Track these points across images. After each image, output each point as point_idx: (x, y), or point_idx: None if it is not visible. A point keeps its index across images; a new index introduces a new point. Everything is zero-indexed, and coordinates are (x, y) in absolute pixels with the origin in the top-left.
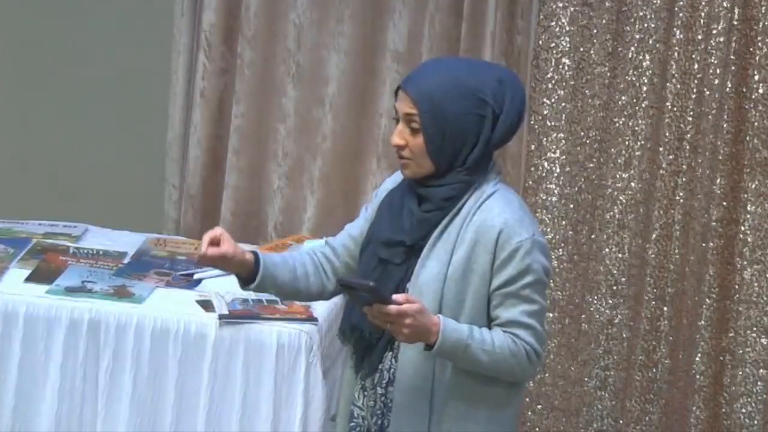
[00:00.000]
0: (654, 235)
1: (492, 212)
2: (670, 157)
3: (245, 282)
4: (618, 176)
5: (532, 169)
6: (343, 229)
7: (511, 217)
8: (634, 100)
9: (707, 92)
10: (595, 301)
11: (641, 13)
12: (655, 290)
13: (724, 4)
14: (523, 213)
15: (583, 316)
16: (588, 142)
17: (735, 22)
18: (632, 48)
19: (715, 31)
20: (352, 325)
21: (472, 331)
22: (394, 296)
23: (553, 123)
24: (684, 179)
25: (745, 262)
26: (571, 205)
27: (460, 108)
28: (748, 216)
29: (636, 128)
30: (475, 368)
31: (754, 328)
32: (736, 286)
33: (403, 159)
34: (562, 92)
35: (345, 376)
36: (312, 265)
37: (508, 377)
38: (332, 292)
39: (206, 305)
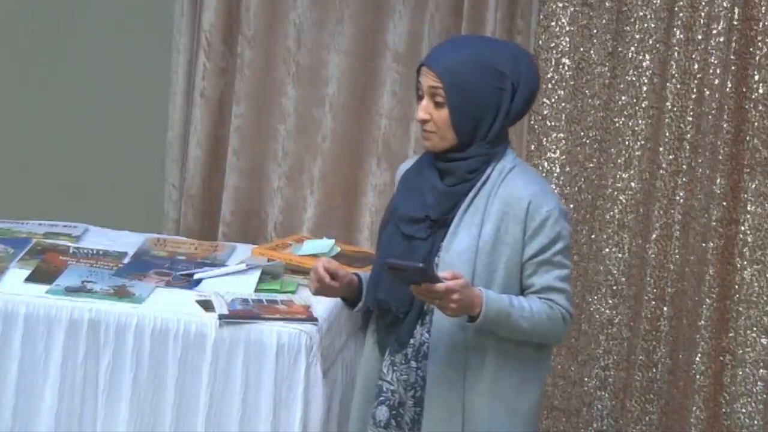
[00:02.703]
0: (654, 235)
1: (517, 185)
2: (670, 157)
3: (351, 304)
4: (618, 176)
5: None
6: None
7: (537, 188)
8: (634, 100)
9: (707, 92)
10: (595, 301)
11: (641, 13)
12: (655, 290)
13: (724, 4)
14: (545, 184)
15: (583, 316)
16: (588, 142)
17: (735, 22)
18: (632, 48)
19: (715, 31)
20: (379, 301)
21: (512, 300)
22: (441, 274)
23: (553, 123)
24: (684, 179)
25: (745, 262)
26: (571, 205)
27: (481, 80)
28: (748, 216)
29: (636, 128)
30: (515, 336)
31: (754, 328)
32: (736, 286)
33: (426, 132)
34: (562, 92)
35: (364, 354)
36: None
37: (544, 341)
38: None
39: (206, 305)
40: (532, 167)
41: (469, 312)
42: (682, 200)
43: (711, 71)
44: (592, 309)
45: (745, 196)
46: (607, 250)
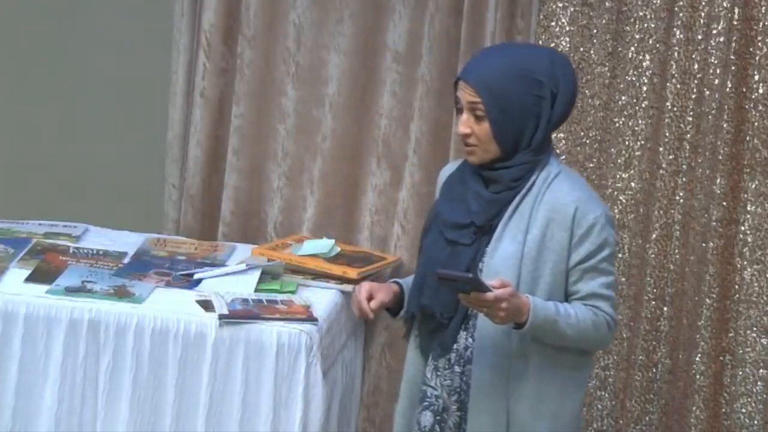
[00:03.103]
0: (654, 235)
1: (562, 191)
2: (670, 157)
3: (393, 313)
4: (618, 176)
5: None
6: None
7: (583, 195)
8: (634, 100)
9: (707, 92)
10: None
11: (641, 13)
12: (655, 290)
13: (724, 4)
14: (591, 191)
15: None
16: (588, 142)
17: (735, 22)
18: (632, 48)
19: (715, 31)
20: (423, 307)
21: (558, 307)
22: (490, 282)
23: None
24: (684, 179)
25: (745, 262)
26: None
27: (520, 90)
28: (748, 216)
29: (636, 128)
30: (560, 342)
31: (754, 328)
32: (736, 286)
33: (469, 146)
34: None
35: (407, 359)
36: None
37: (589, 347)
38: None
39: (206, 305)
40: (577, 174)
41: (516, 319)
42: (682, 200)
43: (711, 71)
44: None
45: (745, 196)
46: None
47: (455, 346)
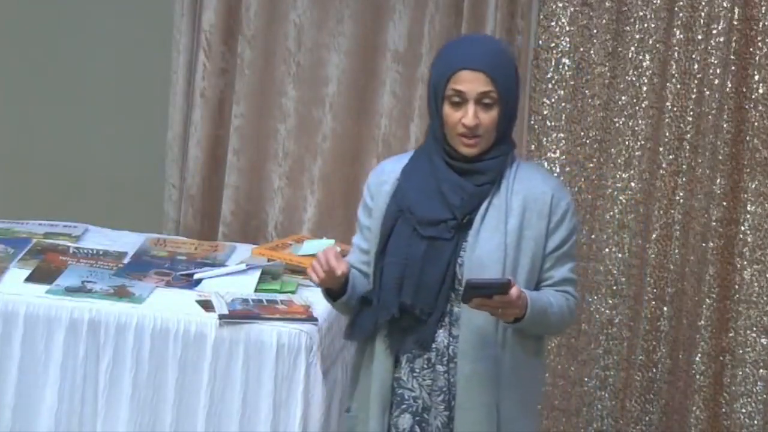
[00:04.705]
0: (654, 235)
1: (536, 179)
2: (670, 157)
3: (333, 296)
4: (618, 176)
5: None
6: (353, 245)
7: (556, 182)
8: (634, 100)
9: (707, 92)
10: (595, 301)
11: (641, 13)
12: (655, 290)
13: (724, 4)
14: (557, 177)
15: (583, 316)
16: (588, 142)
17: (735, 22)
18: (632, 48)
19: (715, 31)
20: (403, 305)
21: (544, 296)
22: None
23: (553, 123)
24: (684, 179)
25: (745, 262)
26: None
27: (515, 77)
28: (748, 216)
29: (636, 128)
30: (543, 331)
31: (754, 328)
32: (736, 286)
33: (475, 138)
34: (562, 92)
35: (373, 366)
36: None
37: (556, 333)
38: None
39: (206, 305)
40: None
41: (517, 314)
42: (682, 200)
43: (711, 71)
44: (592, 309)
45: (745, 196)
46: (607, 250)
47: (434, 345)
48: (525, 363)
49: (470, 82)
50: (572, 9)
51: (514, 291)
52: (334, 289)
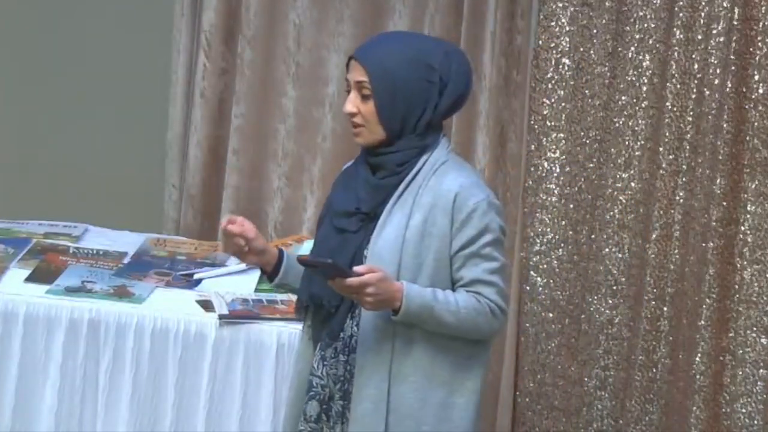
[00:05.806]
0: (654, 235)
1: (447, 177)
2: (670, 157)
3: (270, 276)
4: (618, 176)
5: (532, 169)
6: None
7: (466, 181)
8: (634, 100)
9: (707, 92)
10: (595, 301)
11: (641, 13)
12: (655, 290)
13: (724, 4)
14: (477, 177)
15: (583, 316)
16: (588, 142)
17: (735, 22)
18: (632, 48)
19: (715, 31)
20: (311, 295)
21: (436, 294)
22: (356, 268)
23: (553, 123)
24: (684, 179)
25: (745, 262)
26: (571, 205)
27: (409, 73)
28: (748, 216)
29: (636, 128)
30: (442, 329)
31: (754, 328)
32: (736, 286)
33: (356, 127)
34: (562, 92)
35: (298, 350)
36: None
37: (474, 335)
38: None
39: (206, 305)
40: (465, 161)
41: (389, 306)
42: (682, 200)
43: (711, 71)
44: (592, 309)
45: (745, 196)
46: (607, 250)
47: (342, 335)
48: (435, 360)
49: (352, 71)
50: (572, 9)
51: (364, 278)
52: (267, 270)
